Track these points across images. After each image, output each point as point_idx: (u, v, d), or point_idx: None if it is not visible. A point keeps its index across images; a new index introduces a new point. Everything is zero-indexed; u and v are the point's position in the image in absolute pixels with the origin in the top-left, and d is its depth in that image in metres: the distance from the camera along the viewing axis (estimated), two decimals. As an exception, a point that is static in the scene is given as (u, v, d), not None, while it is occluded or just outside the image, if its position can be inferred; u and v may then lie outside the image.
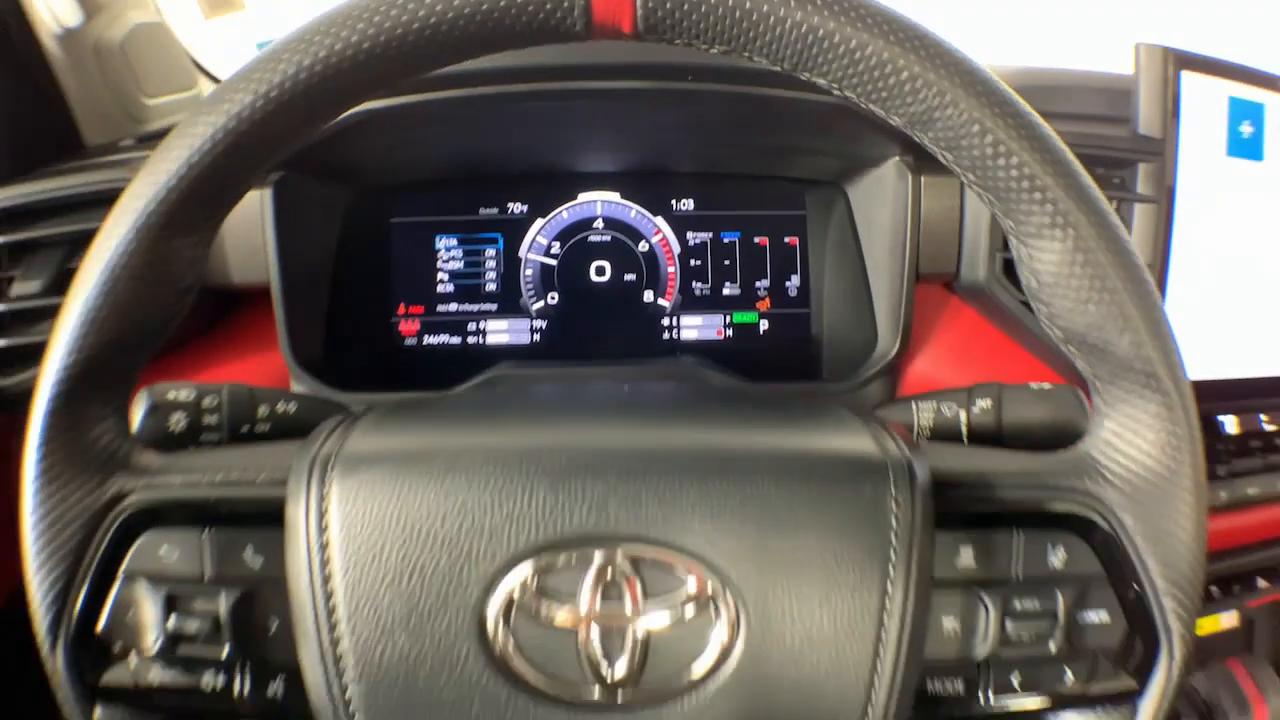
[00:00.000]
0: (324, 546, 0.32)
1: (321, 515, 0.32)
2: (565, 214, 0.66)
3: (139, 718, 0.35)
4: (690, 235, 0.66)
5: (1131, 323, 0.34)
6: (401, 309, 0.67)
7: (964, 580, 0.36)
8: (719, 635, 0.32)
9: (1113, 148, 0.62)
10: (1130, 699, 0.37)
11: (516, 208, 0.66)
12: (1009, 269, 0.62)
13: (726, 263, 0.66)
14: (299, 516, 0.33)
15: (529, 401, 0.42)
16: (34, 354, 0.67)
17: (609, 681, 0.31)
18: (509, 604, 0.32)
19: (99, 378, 0.34)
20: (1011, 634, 0.36)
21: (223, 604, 0.35)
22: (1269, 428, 0.70)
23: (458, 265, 0.66)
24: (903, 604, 0.33)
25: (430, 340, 0.66)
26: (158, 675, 0.35)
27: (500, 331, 0.66)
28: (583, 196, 0.66)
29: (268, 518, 0.34)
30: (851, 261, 0.66)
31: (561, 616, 0.32)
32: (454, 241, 0.66)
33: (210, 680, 0.35)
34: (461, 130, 0.62)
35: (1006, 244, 0.64)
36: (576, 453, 0.33)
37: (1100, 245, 0.33)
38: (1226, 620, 0.75)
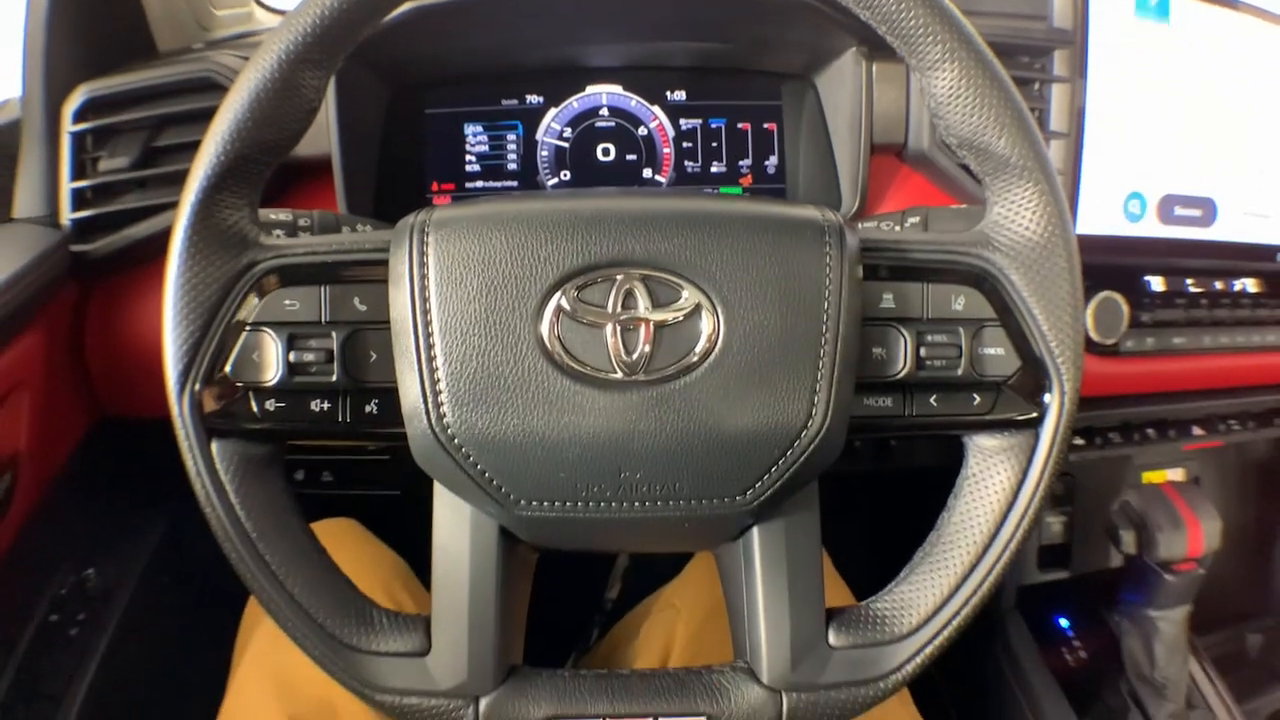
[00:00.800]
0: (424, 278, 0.42)
1: (422, 258, 0.42)
2: (575, 104, 0.76)
3: (247, 449, 0.44)
4: (683, 121, 0.76)
5: (1006, 128, 0.43)
6: (435, 186, 0.77)
7: (886, 318, 0.45)
8: (706, 333, 0.41)
9: (1031, 38, 0.73)
10: (1033, 426, 0.46)
11: (533, 99, 0.76)
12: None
13: (714, 145, 0.76)
14: (404, 264, 0.42)
15: (561, 191, 0.52)
16: (115, 223, 0.76)
17: (629, 365, 0.41)
18: (558, 311, 0.41)
19: (238, 175, 0.43)
20: (925, 359, 0.45)
21: (335, 340, 0.43)
22: (1193, 290, 0.80)
23: (483, 149, 0.77)
24: (836, 327, 0.42)
25: (460, 213, 0.76)
26: (273, 404, 0.44)
27: (520, 203, 0.75)
28: (590, 89, 0.76)
29: (371, 276, 0.44)
30: (820, 142, 0.76)
31: (594, 318, 0.41)
32: (480, 128, 0.77)
33: (318, 405, 0.44)
34: (487, 28, 0.73)
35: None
36: (605, 209, 0.43)
37: (979, 70, 0.43)
38: (1173, 475, 0.84)
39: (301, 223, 0.62)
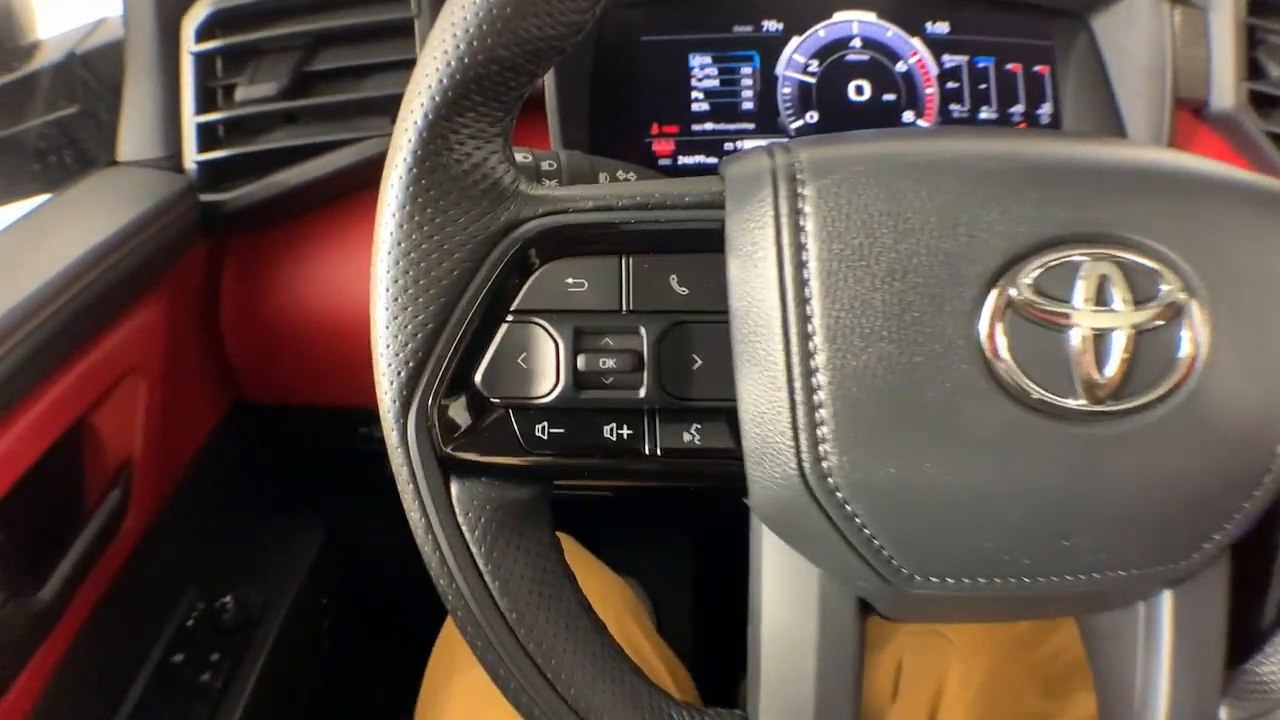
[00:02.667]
0: (799, 250, 0.29)
1: (796, 221, 0.29)
2: (822, 32, 0.63)
3: (504, 493, 0.31)
4: (945, 58, 0.64)
5: None
6: (655, 129, 0.62)
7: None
8: (1188, 343, 0.30)
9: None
10: None
11: (771, 25, 0.63)
12: (1254, 99, 0.62)
13: (982, 87, 0.64)
14: (762, 227, 0.29)
15: (974, 129, 0.38)
16: (253, 167, 0.60)
17: (1098, 388, 0.30)
18: (1004, 306, 0.29)
19: (490, 88, 0.29)
20: None
21: (644, 338, 0.30)
22: None
23: (713, 84, 0.62)
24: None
25: (685, 160, 0.62)
26: (547, 429, 0.31)
27: (758, 150, 0.61)
28: (838, 15, 0.63)
29: (692, 244, 0.31)
30: (1098, 91, 0.64)
31: (1057, 318, 0.29)
32: (708, 59, 0.62)
33: (614, 431, 0.31)
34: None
35: (1253, 73, 0.63)
36: (1060, 155, 0.31)
37: None
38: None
39: (546, 166, 0.46)
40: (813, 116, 0.63)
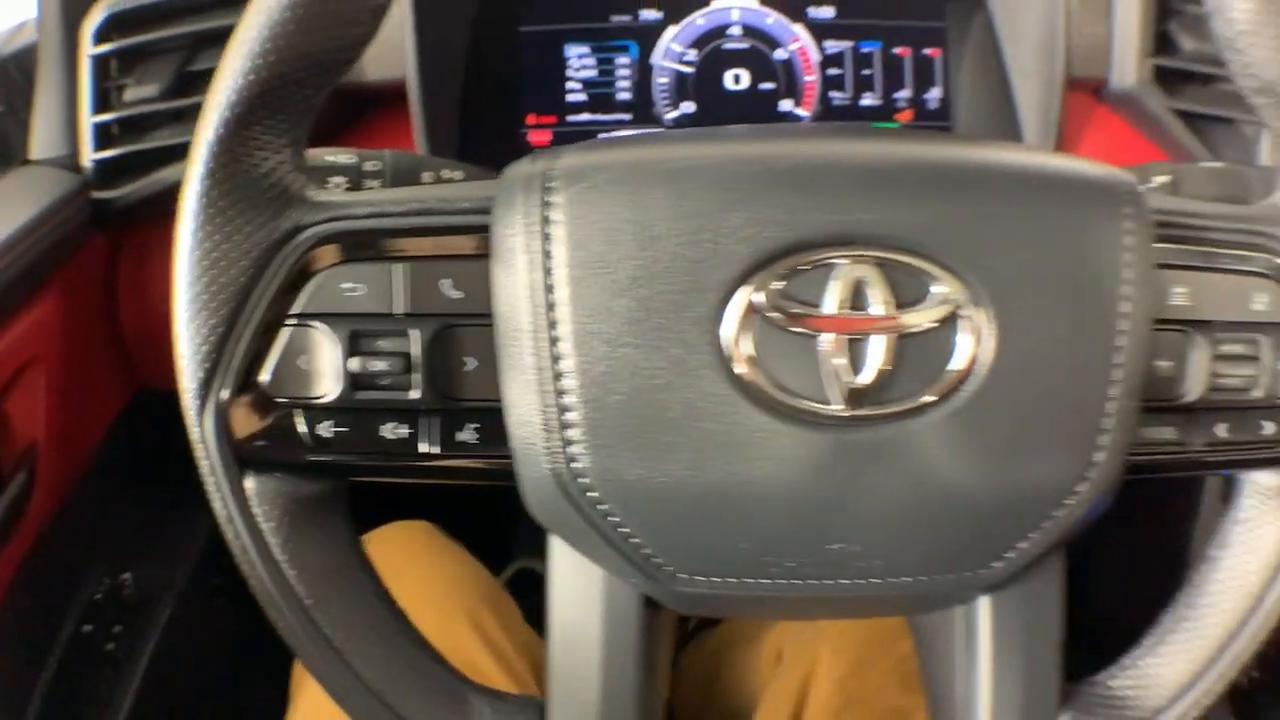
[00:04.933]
0: (548, 256, 0.28)
1: (546, 226, 0.28)
2: (700, 20, 0.60)
3: (296, 487, 0.31)
4: (829, 44, 0.60)
5: None
6: (531, 119, 0.61)
7: (1179, 320, 0.32)
8: (965, 347, 0.28)
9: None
10: None
11: (650, 14, 0.60)
12: (1159, 75, 0.57)
13: (866, 73, 0.60)
14: (516, 233, 0.28)
15: (745, 128, 0.36)
16: (144, 163, 0.61)
17: (855, 393, 0.28)
18: (747, 311, 0.28)
19: (275, 103, 0.29)
20: (1220, 376, 0.33)
21: (417, 340, 0.30)
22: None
23: (590, 74, 0.60)
24: (1133, 337, 0.29)
25: (561, 151, 0.60)
26: (330, 427, 0.31)
27: (633, 141, 0.59)
28: (717, 3, 0.60)
29: (467, 248, 0.30)
30: (993, 74, 0.60)
31: (803, 324, 0.28)
32: (586, 49, 0.60)
33: (393, 430, 0.31)
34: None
35: (1159, 48, 0.57)
36: (817, 156, 0.29)
37: None
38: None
39: (369, 167, 0.45)
40: (689, 106, 0.60)
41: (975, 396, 0.28)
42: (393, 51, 0.55)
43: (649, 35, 0.60)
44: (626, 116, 0.60)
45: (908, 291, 0.28)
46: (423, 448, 0.31)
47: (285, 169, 0.30)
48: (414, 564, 0.59)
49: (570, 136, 0.60)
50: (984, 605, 0.33)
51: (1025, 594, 0.33)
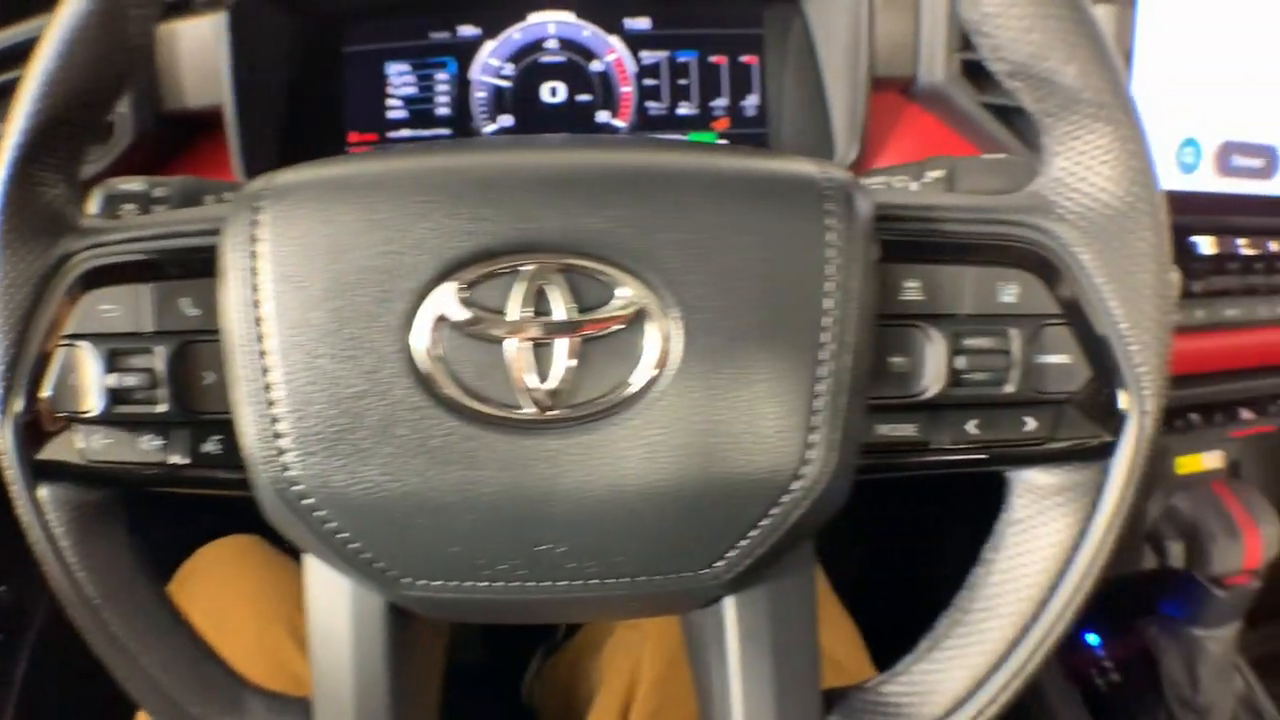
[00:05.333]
0: (254, 274, 0.29)
1: (251, 244, 0.29)
2: (517, 34, 0.60)
3: (82, 494, 0.34)
4: (645, 55, 0.60)
5: (1077, 51, 0.30)
6: (354, 137, 0.61)
7: (910, 314, 0.32)
8: (653, 348, 0.28)
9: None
10: (1101, 456, 0.33)
11: (467, 30, 0.60)
12: (968, 70, 0.56)
13: (682, 82, 0.60)
14: (230, 250, 0.29)
15: (463, 141, 0.36)
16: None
17: (543, 397, 0.28)
18: (436, 319, 0.28)
19: (52, 140, 0.32)
20: (963, 371, 0.32)
21: (160, 356, 0.32)
22: (1247, 252, 0.63)
23: (410, 91, 0.60)
24: (841, 332, 0.29)
25: (382, 167, 0.60)
26: (99, 439, 0.33)
27: (452, 156, 0.59)
28: (533, 16, 0.60)
29: (206, 268, 0.31)
30: (810, 79, 0.59)
31: (489, 330, 0.28)
32: (406, 67, 0.60)
33: (150, 441, 0.33)
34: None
35: (966, 44, 0.57)
36: (504, 166, 0.29)
37: None
38: (1210, 461, 0.67)
39: (157, 193, 0.46)
40: (507, 120, 0.60)
41: (665, 397, 0.28)
42: (213, 78, 0.56)
43: (467, 51, 0.60)
44: (446, 131, 0.60)
45: (592, 296, 0.28)
46: (173, 459, 0.32)
47: (61, 200, 0.33)
48: (241, 576, 0.60)
49: (392, 153, 0.61)
50: (729, 605, 0.33)
51: (772, 593, 0.33)
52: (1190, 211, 0.61)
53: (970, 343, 0.32)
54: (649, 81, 0.60)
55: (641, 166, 0.29)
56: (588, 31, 0.60)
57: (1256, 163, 0.61)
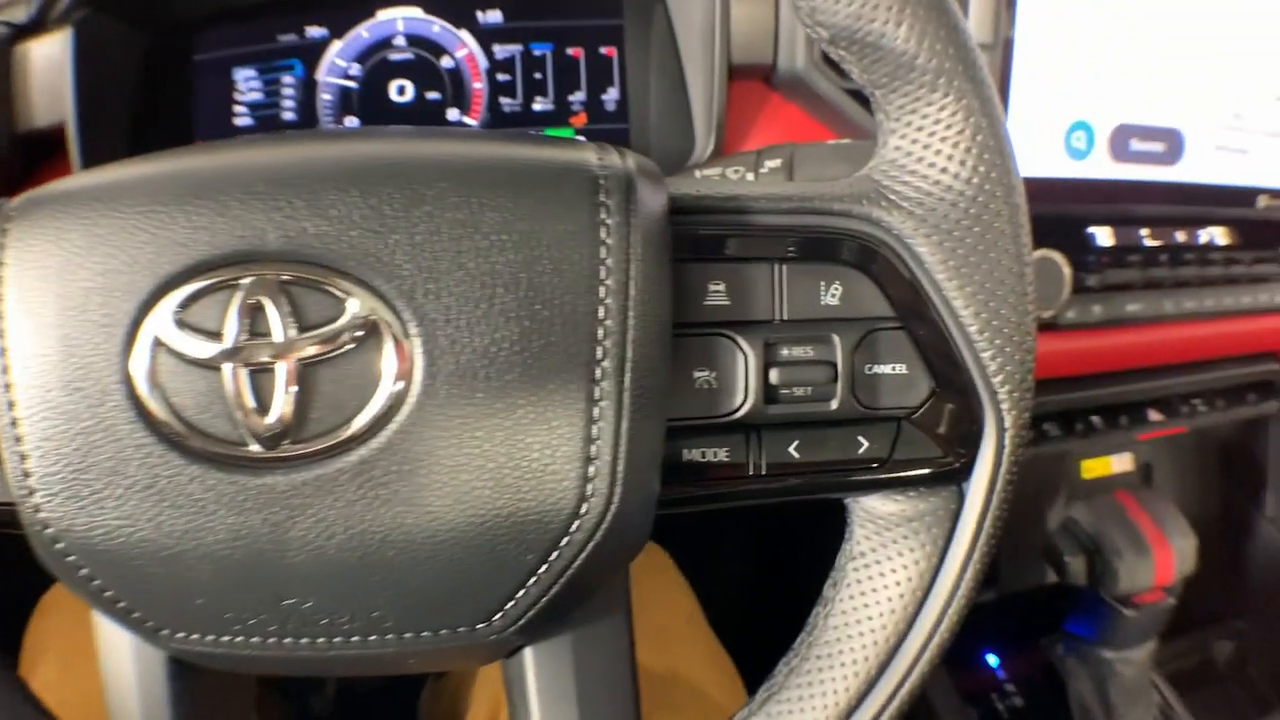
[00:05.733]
0: (1, 299, 0.26)
1: None
2: (365, 33, 0.57)
3: None
4: (498, 49, 0.56)
5: (909, 8, 0.26)
6: (200, 146, 0.57)
7: (715, 321, 0.28)
8: (390, 370, 0.24)
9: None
10: (953, 480, 0.29)
11: (315, 31, 0.57)
12: (830, 57, 0.52)
13: (538, 76, 0.56)
14: None
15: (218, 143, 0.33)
16: None
17: (266, 431, 0.24)
18: (153, 344, 0.25)
19: None
20: (780, 386, 0.28)
21: None
22: (1150, 243, 0.58)
23: (256, 97, 0.57)
24: (623, 342, 0.25)
25: (229, 176, 0.57)
26: None
27: (300, 162, 0.56)
28: (382, 14, 0.57)
29: None
30: (672, 70, 0.56)
31: (204, 355, 0.25)
32: (253, 72, 0.57)
33: None
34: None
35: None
36: (225, 167, 0.26)
37: None
38: (1119, 464, 0.63)
39: None
40: (354, 122, 0.57)
41: (409, 429, 0.24)
42: (61, 96, 0.53)
43: (314, 52, 0.57)
44: (292, 137, 0.57)
45: (317, 312, 0.24)
46: None
47: None
48: (75, 628, 0.57)
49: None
50: (528, 656, 0.30)
51: (576, 641, 0.29)
52: (1084, 200, 0.57)
53: (787, 353, 0.27)
54: (502, 77, 0.57)
55: (373, 157, 0.25)
56: (437, 27, 0.57)
57: (1157, 147, 0.56)
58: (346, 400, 0.24)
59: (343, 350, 0.24)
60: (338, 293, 0.24)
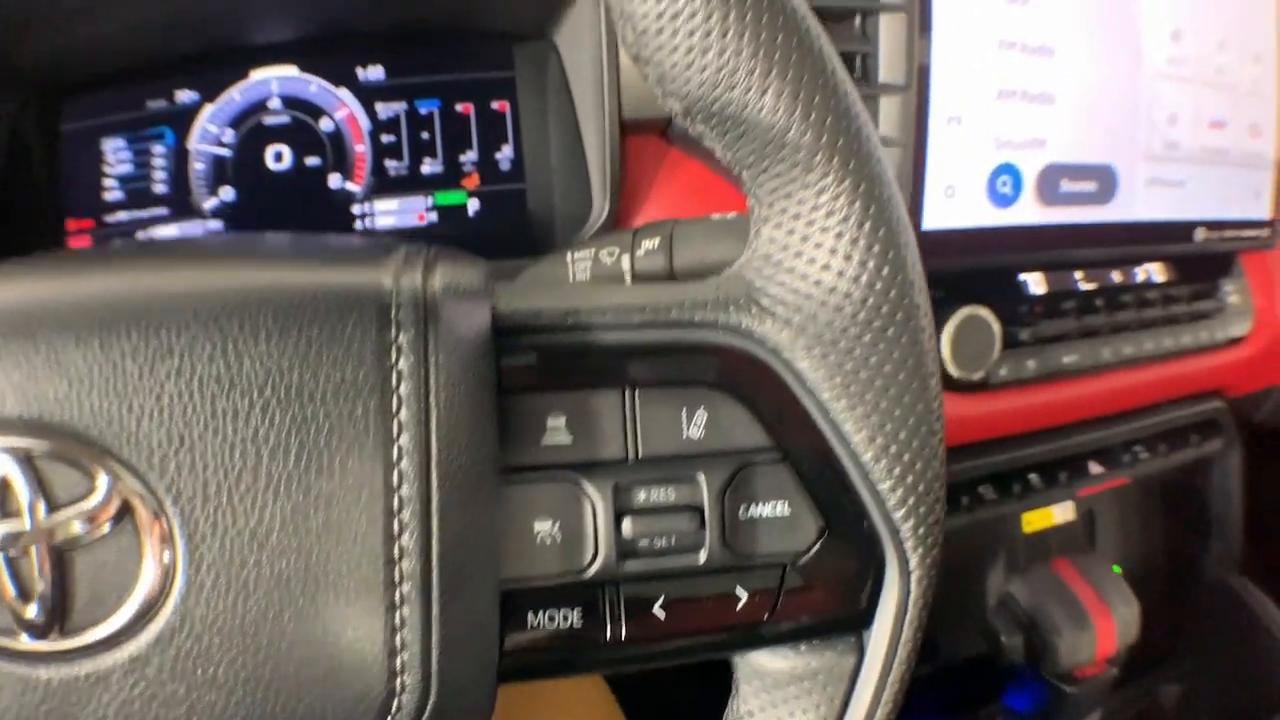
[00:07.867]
0: None
1: None
2: (237, 96, 0.51)
3: None
4: (381, 107, 0.51)
5: (775, 71, 0.21)
6: (71, 224, 0.52)
7: (556, 464, 0.23)
8: (152, 560, 0.21)
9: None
10: (851, 630, 0.25)
11: (185, 95, 0.52)
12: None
13: (425, 136, 0.51)
14: None
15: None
16: None
17: (33, 621, 0.21)
18: None
19: None
20: (635, 538, 0.23)
21: None
22: (1085, 287, 0.53)
23: (127, 168, 0.52)
24: (421, 506, 0.20)
25: (99, 254, 0.51)
26: None
27: (173, 238, 0.50)
28: (255, 74, 0.51)
29: None
30: (570, 124, 0.50)
31: None
32: (122, 142, 0.52)
33: None
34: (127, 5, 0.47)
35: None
36: None
37: None
38: (1061, 514, 0.58)
39: None
40: (228, 193, 0.51)
41: (176, 624, 0.21)
42: None
43: (185, 118, 0.51)
44: (164, 210, 0.52)
45: (66, 490, 0.20)
46: None
47: None
48: None
49: (110, 239, 0.52)
50: None
51: None
52: (1013, 249, 0.52)
53: (643, 498, 0.23)
54: (387, 138, 0.51)
55: (118, 297, 0.21)
56: (314, 86, 0.51)
57: (1088, 186, 0.51)
58: (106, 591, 0.21)
59: (102, 532, 0.21)
60: (86, 463, 0.20)
